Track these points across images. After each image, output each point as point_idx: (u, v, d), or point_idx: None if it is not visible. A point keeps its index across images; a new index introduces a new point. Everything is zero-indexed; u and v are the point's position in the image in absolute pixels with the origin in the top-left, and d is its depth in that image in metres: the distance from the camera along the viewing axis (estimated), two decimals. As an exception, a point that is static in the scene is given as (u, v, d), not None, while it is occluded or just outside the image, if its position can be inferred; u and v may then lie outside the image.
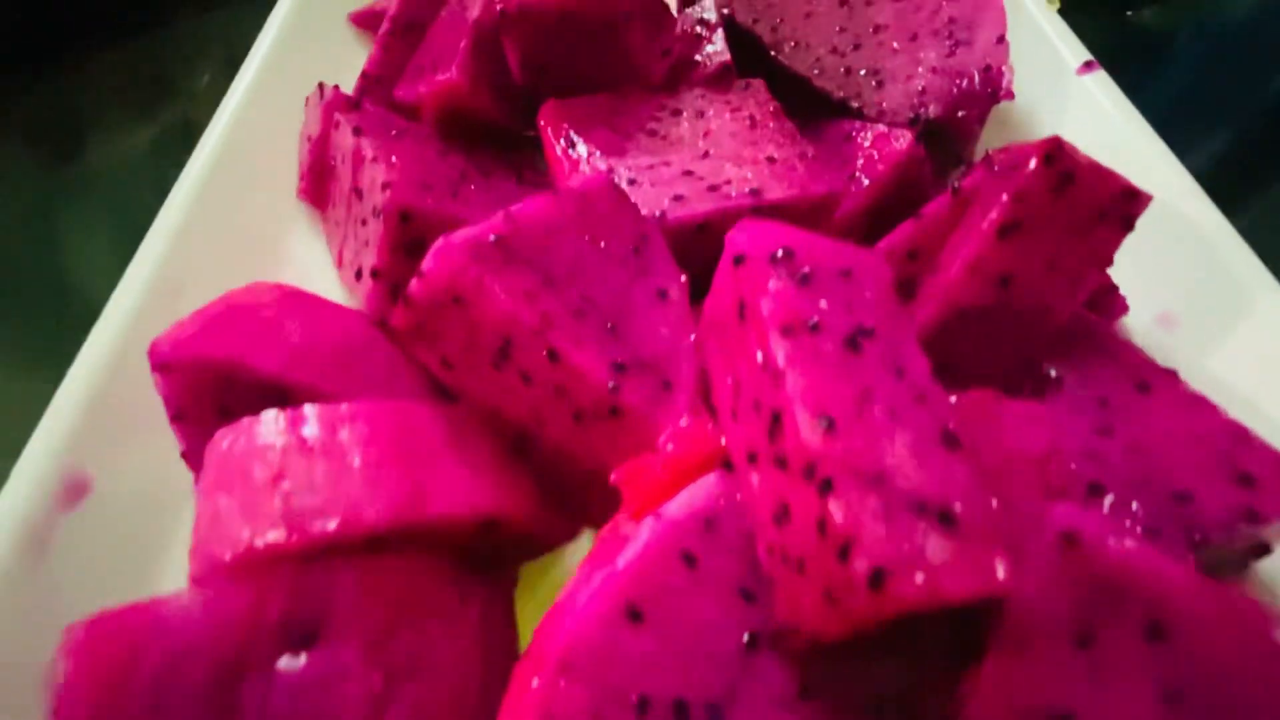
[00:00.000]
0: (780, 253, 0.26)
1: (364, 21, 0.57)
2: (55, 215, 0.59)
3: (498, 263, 0.27)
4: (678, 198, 0.36)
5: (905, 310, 0.26)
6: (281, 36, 0.52)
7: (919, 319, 0.32)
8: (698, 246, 0.37)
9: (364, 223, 0.37)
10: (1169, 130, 0.42)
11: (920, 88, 0.43)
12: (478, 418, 0.30)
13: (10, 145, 0.64)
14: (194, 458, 0.31)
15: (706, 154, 0.39)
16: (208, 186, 0.42)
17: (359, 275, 0.37)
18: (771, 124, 0.41)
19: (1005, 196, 0.29)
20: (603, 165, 0.38)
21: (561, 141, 0.39)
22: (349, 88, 0.49)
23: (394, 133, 0.41)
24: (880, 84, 0.44)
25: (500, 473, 0.29)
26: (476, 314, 0.27)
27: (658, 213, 0.35)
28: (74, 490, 0.29)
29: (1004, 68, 0.42)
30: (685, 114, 0.42)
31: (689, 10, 0.46)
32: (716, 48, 0.43)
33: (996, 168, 0.35)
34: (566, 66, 0.42)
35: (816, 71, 0.46)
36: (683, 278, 0.33)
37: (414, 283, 0.28)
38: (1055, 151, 0.28)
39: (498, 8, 0.40)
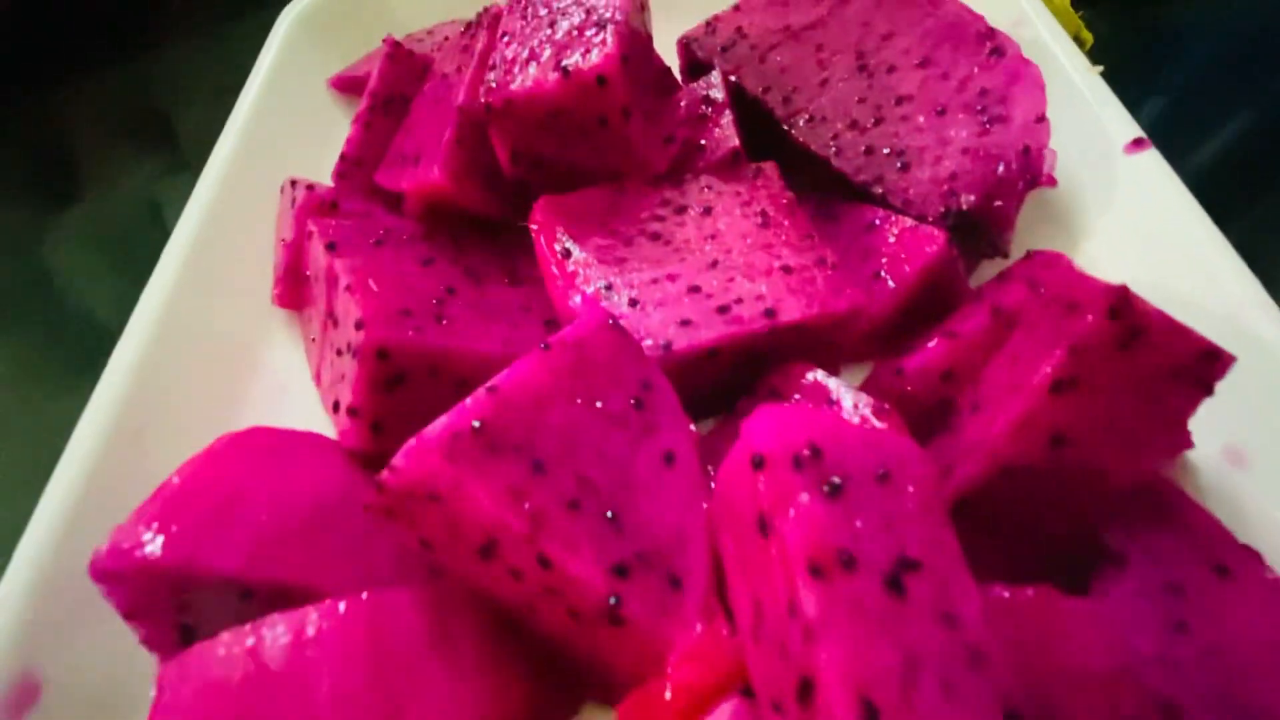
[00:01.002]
0: (806, 452, 0.22)
1: (344, 86, 0.54)
2: (49, 254, 0.57)
3: (478, 458, 0.23)
4: (684, 323, 0.33)
5: (950, 526, 0.22)
6: (256, 111, 0.49)
7: (959, 475, 0.28)
8: (708, 369, 0.34)
9: (340, 353, 0.34)
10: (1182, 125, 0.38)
11: (950, 172, 0.39)
12: (463, 593, 0.27)
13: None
14: (155, 643, 0.28)
15: (715, 263, 0.35)
16: (175, 299, 0.39)
17: (336, 408, 0.34)
18: (786, 222, 0.37)
19: (1060, 351, 0.26)
20: (601, 281, 0.34)
21: (556, 251, 0.36)
22: (331, 160, 0.46)
23: (373, 241, 0.37)
24: (905, 167, 0.40)
25: (489, 673, 0.26)
26: (456, 513, 0.24)
27: (663, 343, 0.32)
28: (24, 694, 0.26)
29: (1045, 150, 0.38)
30: (691, 210, 0.38)
31: (694, 85, 0.42)
32: (724, 130, 0.39)
33: (1043, 291, 0.31)
34: (559, 159, 0.38)
35: (834, 150, 0.42)
36: (691, 428, 0.29)
37: (386, 473, 0.24)
38: (1122, 306, 0.25)
39: (482, 101, 0.36)
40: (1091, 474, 0.27)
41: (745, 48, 0.46)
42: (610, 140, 0.37)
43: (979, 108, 0.40)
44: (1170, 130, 0.38)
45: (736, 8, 0.48)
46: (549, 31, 0.37)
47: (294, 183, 0.40)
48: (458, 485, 0.23)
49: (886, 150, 0.41)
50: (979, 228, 0.39)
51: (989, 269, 0.40)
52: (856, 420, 0.29)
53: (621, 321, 0.33)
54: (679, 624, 0.24)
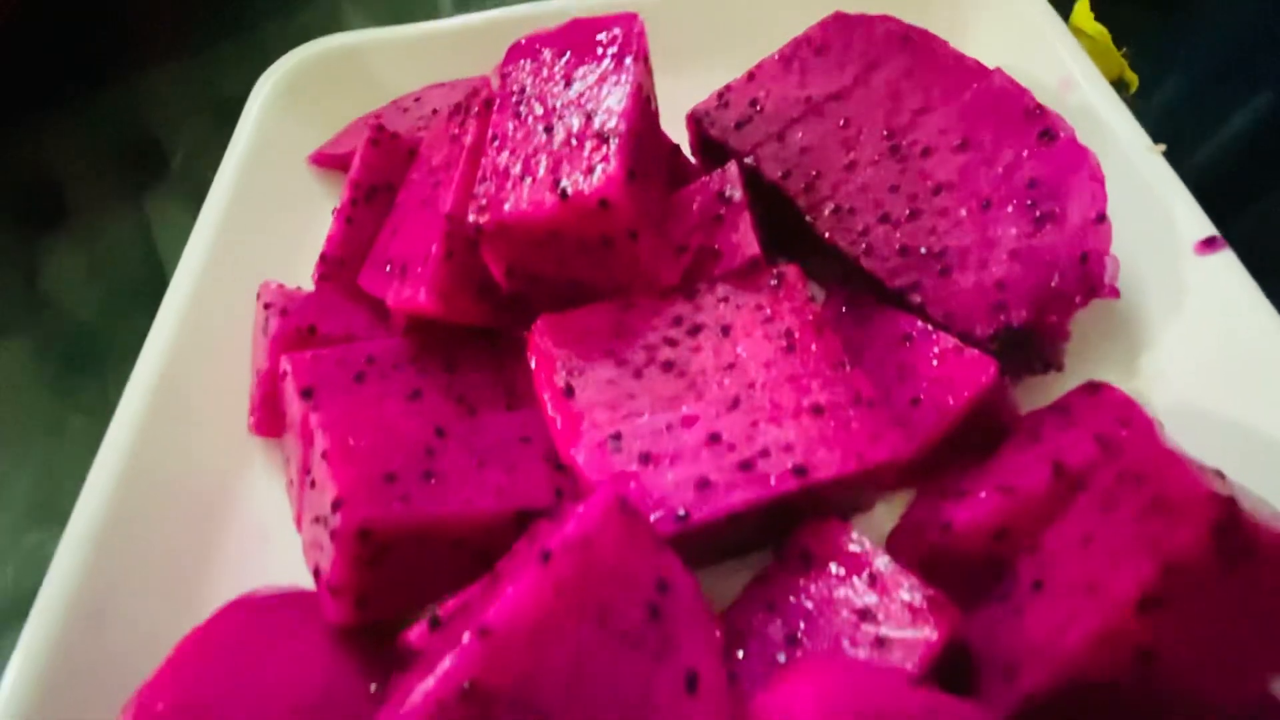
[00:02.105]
0: (858, 739, 0.19)
1: (326, 163, 0.50)
2: (40, 282, 0.55)
3: (469, 729, 0.20)
4: (703, 484, 0.29)
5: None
6: (231, 199, 0.45)
7: (1027, 682, 0.25)
8: (727, 529, 0.30)
9: (317, 520, 0.30)
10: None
11: (997, 279, 0.35)
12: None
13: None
14: None
15: (736, 401, 0.31)
16: (143, 435, 0.35)
17: (316, 574, 0.31)
18: (814, 345, 0.33)
19: (1151, 566, 0.22)
20: (609, 430, 0.30)
21: (558, 387, 0.32)
22: (315, 247, 0.42)
23: (353, 375, 0.34)
24: (946, 271, 0.36)
25: None
26: (446, 788, 0.21)
27: (679, 514, 0.28)
28: None
29: (1106, 258, 0.34)
30: (707, 330, 0.34)
31: (708, 179, 0.37)
32: (742, 235, 0.35)
33: (1120, 460, 0.27)
34: (559, 276, 0.34)
35: (864, 248, 0.38)
36: (716, 633, 0.26)
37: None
38: (1228, 523, 0.21)
39: (471, 219, 0.32)
40: (1187, 692, 0.23)
41: (761, 123, 0.42)
42: (615, 259, 0.33)
43: (1028, 202, 0.36)
44: (1187, 112, 0.34)
45: (750, 76, 0.44)
46: (544, 138, 0.33)
47: (267, 305, 0.37)
48: (445, 765, 0.20)
49: (924, 250, 0.37)
50: (1029, 340, 0.35)
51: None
52: (909, 616, 0.26)
53: (632, 483, 0.29)
54: None
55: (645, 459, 0.30)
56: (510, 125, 0.34)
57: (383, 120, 0.49)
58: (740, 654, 0.28)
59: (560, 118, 0.33)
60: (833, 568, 0.29)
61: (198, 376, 0.38)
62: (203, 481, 0.36)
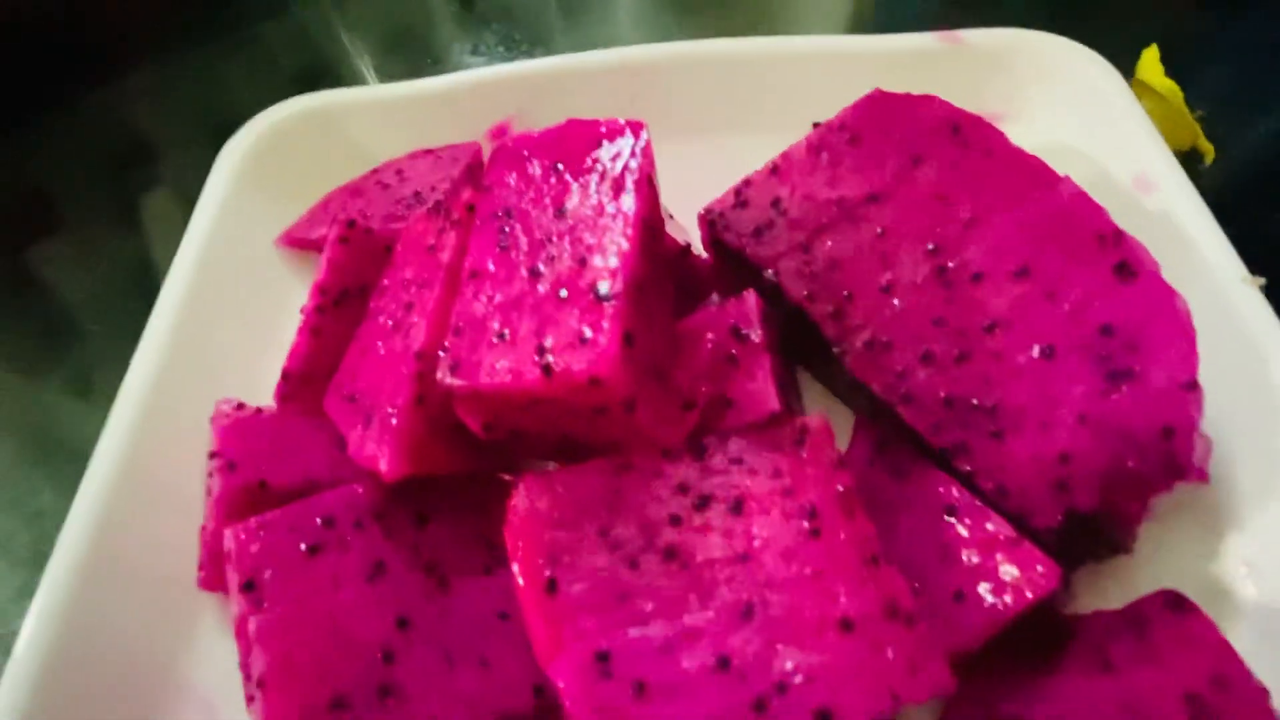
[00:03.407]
0: None
1: (295, 244, 0.45)
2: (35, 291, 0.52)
3: None
4: None
5: None
6: (189, 292, 0.40)
7: None
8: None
9: (256, 740, 0.26)
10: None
11: (1061, 451, 0.29)
12: None
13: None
14: None
15: (749, 611, 0.26)
16: (77, 595, 0.31)
17: (258, 793, 0.27)
18: (843, 534, 0.28)
19: None
20: (599, 646, 0.26)
21: (538, 579, 0.27)
22: (282, 349, 0.38)
23: (306, 548, 0.29)
24: (1000, 434, 0.30)
25: None
26: None
27: (679, 771, 0.24)
28: None
29: (1196, 435, 0.28)
30: (715, 504, 0.29)
31: (722, 308, 0.32)
32: (760, 385, 0.30)
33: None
34: (546, 433, 0.30)
35: (902, 393, 0.32)
36: None
37: None
38: None
39: (441, 379, 0.27)
40: None
41: (785, 230, 0.36)
42: (609, 424, 0.28)
43: (1101, 353, 0.31)
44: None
45: (773, 169, 0.38)
46: (528, 284, 0.28)
47: (214, 455, 0.32)
48: None
49: (975, 403, 0.31)
50: (1095, 524, 0.30)
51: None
52: None
53: (615, 714, 0.25)
54: None
55: (639, 690, 0.25)
56: (490, 262, 0.29)
57: (362, 197, 0.44)
58: None
59: (549, 258, 0.28)
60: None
61: (144, 510, 0.34)
62: (145, 642, 0.32)
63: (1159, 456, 0.28)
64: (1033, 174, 0.35)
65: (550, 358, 0.25)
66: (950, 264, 0.34)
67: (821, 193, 0.37)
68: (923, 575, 0.29)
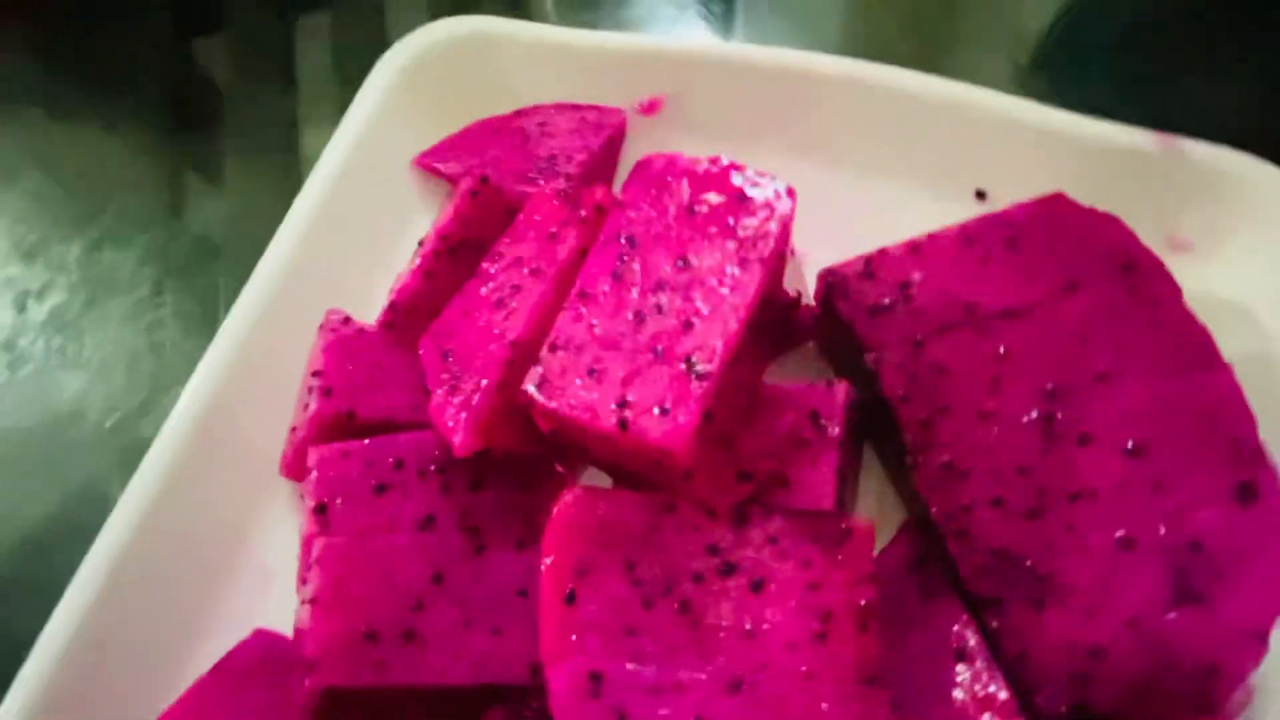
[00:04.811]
0: None
1: (429, 169, 0.45)
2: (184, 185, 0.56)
3: None
4: None
5: None
6: (325, 199, 0.42)
7: None
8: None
9: (305, 603, 0.30)
10: None
11: (1096, 644, 0.28)
12: None
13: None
14: None
15: (739, 685, 0.28)
16: (178, 471, 0.35)
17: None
18: (850, 647, 0.29)
19: None
20: (595, 662, 0.28)
21: (561, 587, 0.30)
22: (400, 264, 0.41)
23: (374, 486, 0.32)
24: (1040, 605, 0.30)
25: None
26: None
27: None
28: None
29: (1243, 685, 0.27)
30: (739, 576, 0.30)
31: (810, 390, 0.31)
32: (821, 481, 0.30)
33: None
34: (605, 458, 0.31)
35: (957, 528, 0.32)
36: None
37: None
38: None
39: (525, 388, 0.29)
40: None
41: (904, 318, 0.35)
42: (665, 476, 0.29)
43: (1180, 566, 0.29)
44: None
45: (914, 248, 0.35)
46: (631, 328, 0.28)
47: (315, 373, 0.35)
48: None
49: (1028, 564, 0.31)
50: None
51: None
52: None
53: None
54: None
55: (619, 718, 0.28)
56: (602, 287, 0.29)
57: (500, 140, 0.44)
58: None
59: (657, 306, 0.28)
60: None
61: (248, 392, 0.38)
62: (225, 508, 0.37)
63: (1194, 690, 0.27)
64: (1195, 349, 0.32)
65: (629, 414, 0.26)
66: (1061, 415, 0.32)
67: (957, 290, 0.35)
68: (912, 701, 0.30)
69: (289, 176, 0.54)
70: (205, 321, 0.49)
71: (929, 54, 0.56)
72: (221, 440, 0.37)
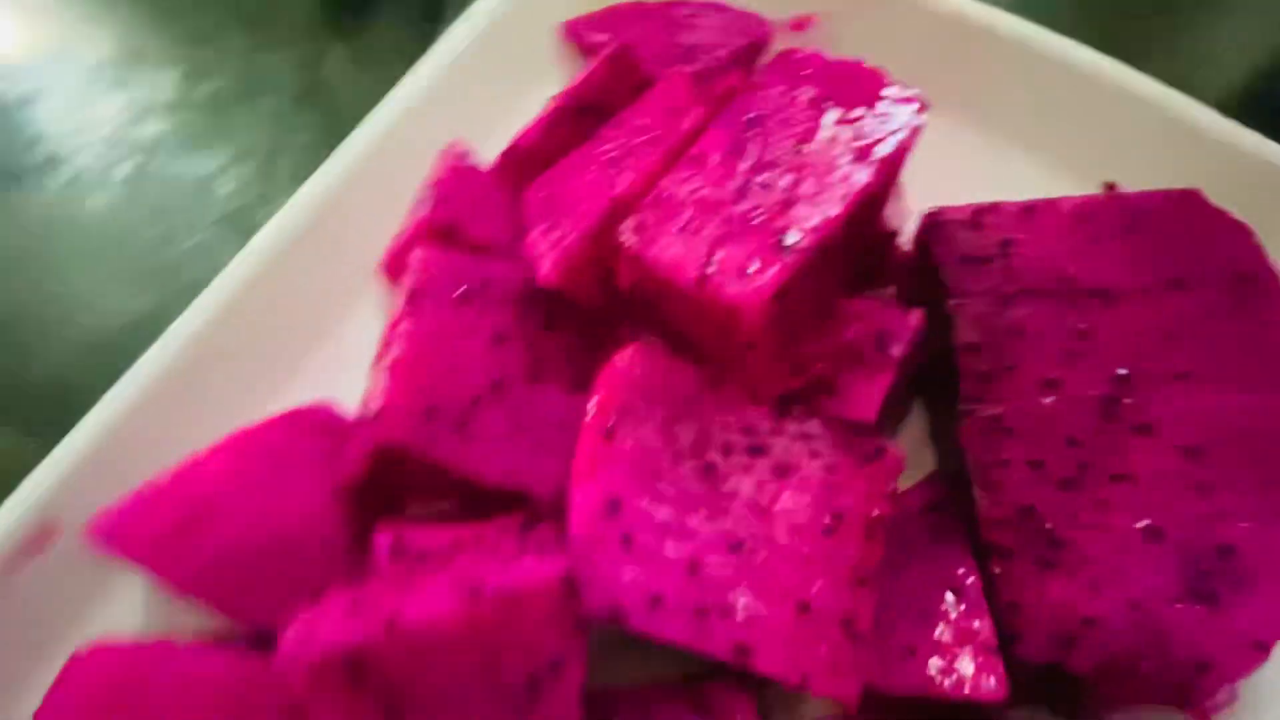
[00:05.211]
0: None
1: (573, 37, 0.47)
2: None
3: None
4: (655, 601, 0.29)
5: None
6: (474, 43, 0.45)
7: None
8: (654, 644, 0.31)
9: (370, 400, 0.34)
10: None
11: (1090, 615, 0.29)
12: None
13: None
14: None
15: (739, 546, 0.30)
16: (288, 249, 0.39)
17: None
18: (853, 547, 0.30)
19: None
20: (615, 490, 0.30)
21: (605, 422, 0.32)
22: (522, 120, 0.43)
23: (460, 292, 0.35)
24: (1048, 567, 0.30)
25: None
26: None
27: (616, 611, 0.29)
28: (41, 536, 0.33)
29: (1226, 688, 0.27)
30: (765, 459, 0.32)
31: (883, 307, 0.32)
32: (870, 394, 0.31)
33: None
34: (673, 322, 0.33)
35: (988, 480, 0.32)
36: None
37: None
38: None
39: (619, 235, 0.31)
40: None
41: (995, 274, 0.35)
42: (725, 348, 0.31)
43: (1204, 568, 0.29)
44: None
45: (1028, 209, 0.35)
46: (731, 197, 0.29)
47: (435, 184, 0.38)
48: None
49: (1048, 527, 0.31)
50: (1069, 687, 0.30)
51: None
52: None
53: (595, 554, 0.30)
54: None
55: (625, 542, 0.30)
56: (714, 156, 0.31)
57: (647, 21, 0.46)
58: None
59: (764, 184, 0.29)
60: (713, 733, 0.30)
61: (365, 199, 0.42)
62: (320, 301, 0.41)
63: (1178, 679, 0.28)
64: (1286, 371, 0.31)
65: (710, 270, 0.28)
66: (1127, 401, 0.32)
67: (1059, 260, 0.35)
68: (894, 617, 0.32)
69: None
70: (340, 134, 0.53)
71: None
72: (329, 234, 0.41)
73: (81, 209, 0.54)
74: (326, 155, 0.44)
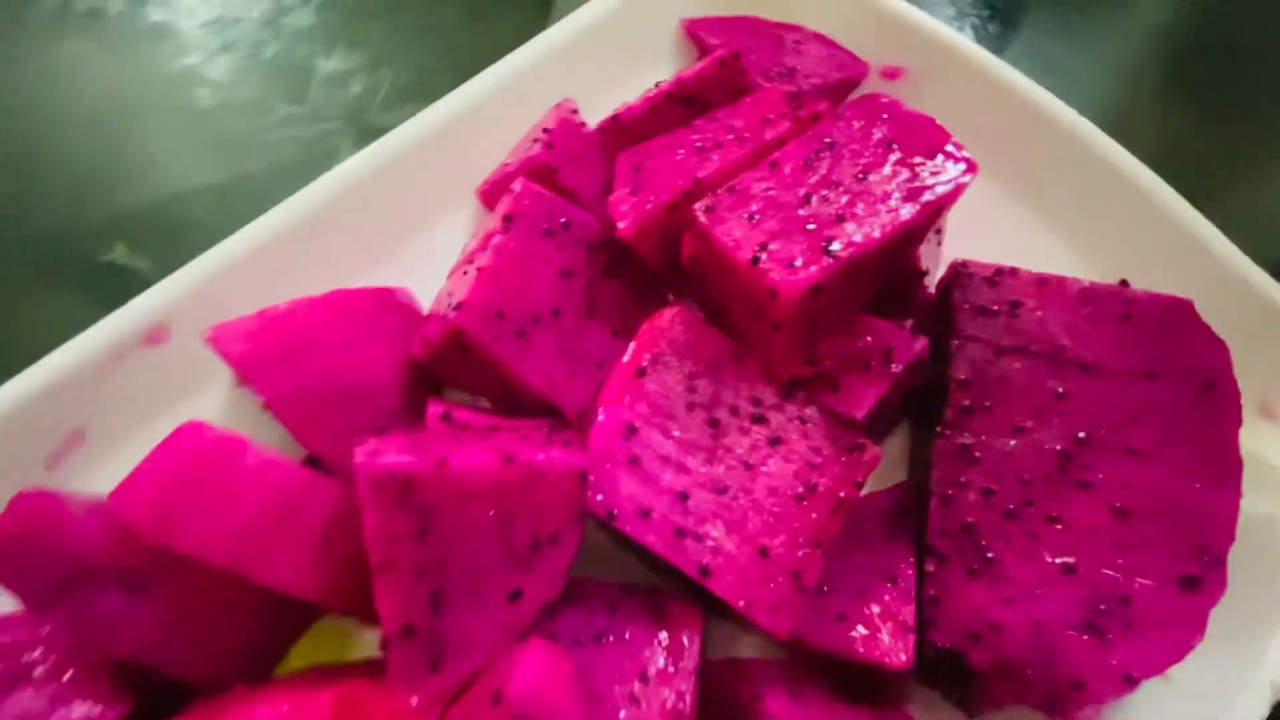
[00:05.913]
0: None
1: (691, 35, 0.52)
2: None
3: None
4: (645, 513, 0.35)
5: None
6: (602, 22, 0.50)
7: None
8: (640, 550, 0.37)
9: (449, 295, 0.40)
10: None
11: (999, 623, 0.34)
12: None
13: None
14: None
15: (723, 490, 0.36)
16: (408, 152, 0.45)
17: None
18: (816, 514, 0.36)
19: None
20: (633, 420, 0.36)
21: (640, 361, 0.37)
22: (630, 94, 0.49)
23: (545, 229, 0.41)
24: (974, 576, 0.35)
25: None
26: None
27: (612, 512, 0.35)
28: (71, 441, 0.38)
29: (1094, 707, 0.32)
30: (763, 428, 0.37)
31: (894, 327, 0.37)
32: (865, 395, 0.36)
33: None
34: (718, 296, 0.38)
35: (946, 495, 0.37)
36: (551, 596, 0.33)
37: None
38: None
39: (695, 207, 0.36)
40: None
41: (999, 329, 0.40)
42: (755, 326, 0.36)
43: (1101, 607, 0.34)
44: None
45: (1042, 282, 0.40)
46: (797, 201, 0.35)
47: (545, 130, 0.44)
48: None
49: (983, 544, 0.36)
50: (965, 679, 0.35)
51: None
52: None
53: (606, 465, 0.36)
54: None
55: (633, 462, 0.36)
56: (790, 166, 0.36)
57: (758, 39, 0.51)
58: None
59: (825, 198, 0.34)
60: (662, 637, 0.35)
61: (486, 133, 0.48)
62: (418, 208, 0.47)
63: (1056, 690, 0.33)
64: (1221, 471, 0.36)
65: (763, 256, 0.33)
66: (1080, 460, 0.37)
67: (1057, 329, 0.40)
68: (836, 588, 0.37)
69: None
70: (468, 72, 0.58)
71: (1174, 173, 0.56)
72: (441, 152, 0.47)
73: (224, 76, 0.61)
74: (449, 84, 0.50)
